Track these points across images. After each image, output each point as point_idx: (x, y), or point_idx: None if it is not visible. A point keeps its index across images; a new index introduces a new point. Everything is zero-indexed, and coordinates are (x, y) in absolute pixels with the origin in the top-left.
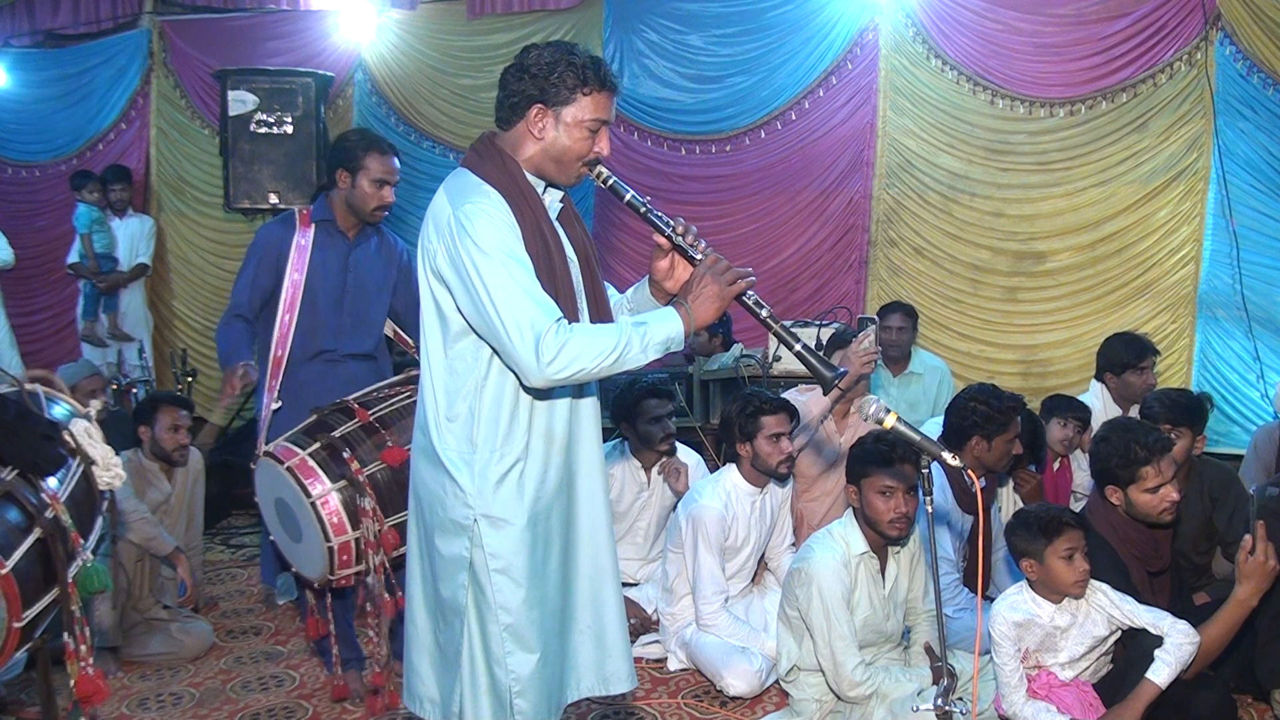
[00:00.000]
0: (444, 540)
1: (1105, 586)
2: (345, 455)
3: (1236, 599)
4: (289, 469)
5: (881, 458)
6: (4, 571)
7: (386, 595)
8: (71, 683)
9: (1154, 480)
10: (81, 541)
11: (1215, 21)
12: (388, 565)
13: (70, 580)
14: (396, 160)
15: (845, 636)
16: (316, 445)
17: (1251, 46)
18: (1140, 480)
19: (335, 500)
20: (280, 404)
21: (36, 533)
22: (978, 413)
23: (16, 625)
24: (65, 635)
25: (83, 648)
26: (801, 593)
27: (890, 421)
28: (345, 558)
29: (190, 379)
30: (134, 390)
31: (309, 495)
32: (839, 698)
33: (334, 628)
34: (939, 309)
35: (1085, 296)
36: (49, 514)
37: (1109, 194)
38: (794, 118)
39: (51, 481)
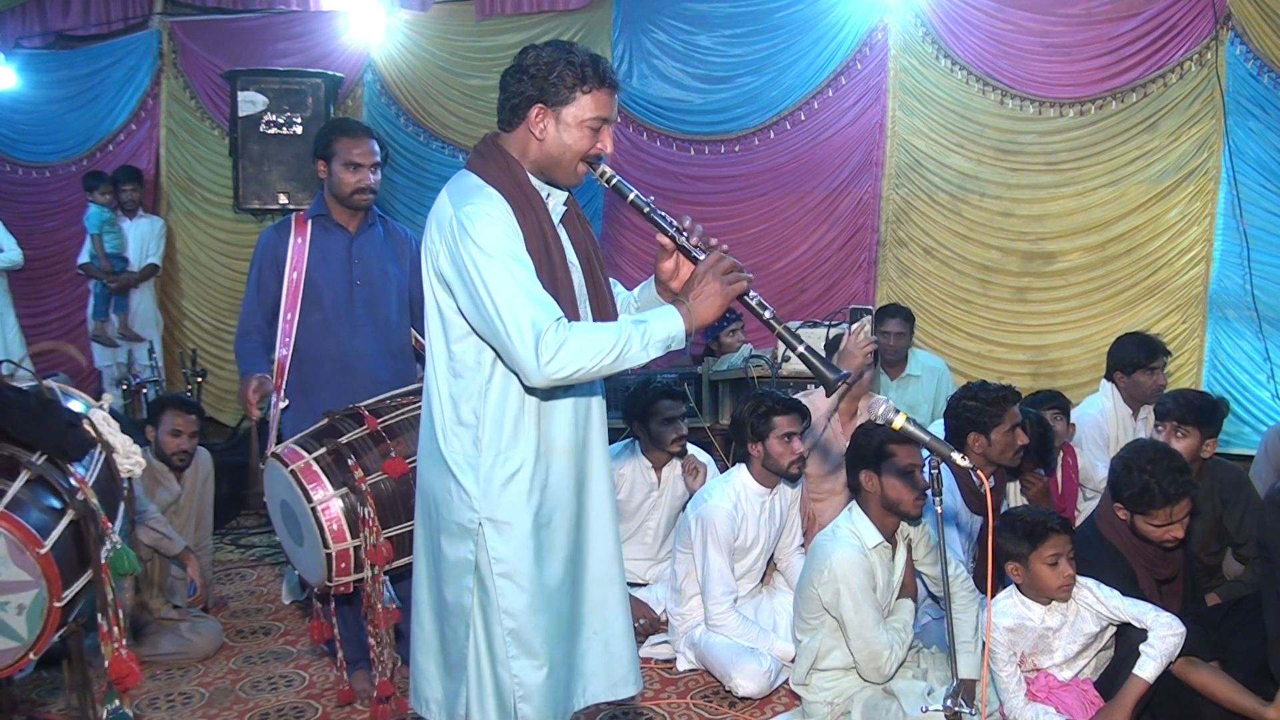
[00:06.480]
0: (449, 543)
1: (1090, 583)
2: (350, 462)
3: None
4: (293, 472)
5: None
6: (43, 551)
7: (380, 606)
8: (106, 664)
9: (1163, 520)
10: (110, 525)
11: (1225, 21)
12: (386, 578)
13: (103, 562)
14: (373, 143)
15: (877, 622)
16: (323, 450)
17: (1262, 46)
18: (1149, 516)
19: (336, 507)
20: (287, 403)
21: (70, 515)
22: (969, 409)
23: (57, 605)
24: (99, 617)
25: (115, 629)
26: (825, 590)
27: (899, 422)
28: (344, 565)
29: (200, 379)
30: (144, 391)
31: (310, 500)
32: (876, 683)
33: (339, 630)
34: (948, 309)
35: (1095, 297)
36: (79, 497)
37: (1119, 194)
38: (803, 118)
39: (77, 468)
